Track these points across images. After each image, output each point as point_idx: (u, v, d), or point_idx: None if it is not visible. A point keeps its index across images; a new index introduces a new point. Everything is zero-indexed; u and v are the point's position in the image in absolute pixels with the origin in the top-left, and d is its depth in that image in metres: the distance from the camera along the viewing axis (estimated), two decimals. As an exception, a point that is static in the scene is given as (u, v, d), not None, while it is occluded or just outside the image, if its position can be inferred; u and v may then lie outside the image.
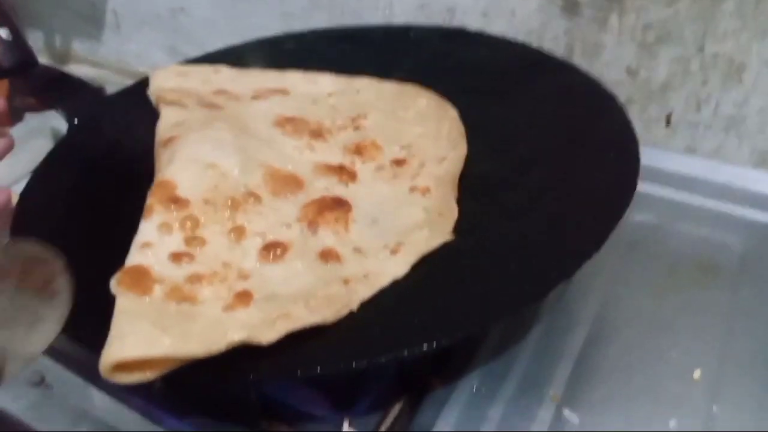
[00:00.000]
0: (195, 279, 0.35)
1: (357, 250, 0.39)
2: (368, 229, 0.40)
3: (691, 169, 0.56)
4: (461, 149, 0.47)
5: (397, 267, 0.38)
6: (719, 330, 0.44)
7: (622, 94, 0.72)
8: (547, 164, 0.45)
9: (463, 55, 0.58)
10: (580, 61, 0.71)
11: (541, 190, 0.42)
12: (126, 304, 0.33)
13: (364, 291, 0.36)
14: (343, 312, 0.35)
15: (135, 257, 0.36)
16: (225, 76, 0.58)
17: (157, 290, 0.34)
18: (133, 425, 0.40)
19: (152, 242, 0.37)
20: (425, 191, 0.43)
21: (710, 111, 0.69)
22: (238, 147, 0.44)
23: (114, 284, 0.35)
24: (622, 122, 0.46)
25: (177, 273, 0.35)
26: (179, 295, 0.34)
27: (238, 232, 0.39)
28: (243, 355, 0.35)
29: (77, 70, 1.02)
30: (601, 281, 0.48)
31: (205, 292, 0.35)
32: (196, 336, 0.32)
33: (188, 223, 0.38)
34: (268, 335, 0.32)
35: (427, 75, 0.57)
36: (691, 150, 0.71)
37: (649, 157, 0.58)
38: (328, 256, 0.38)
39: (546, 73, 0.53)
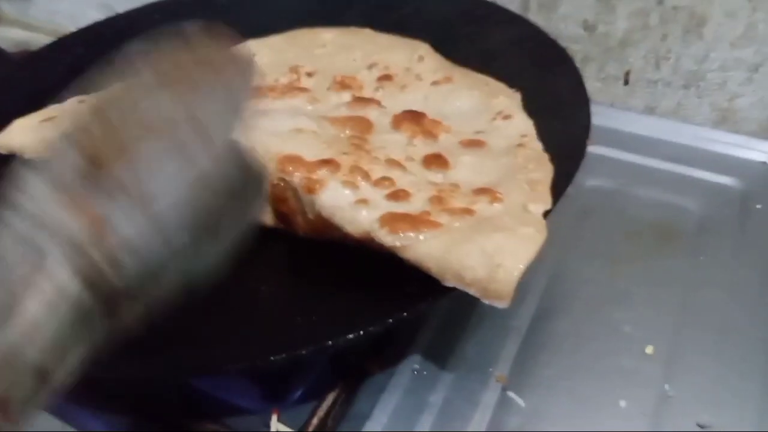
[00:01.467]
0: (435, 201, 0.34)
1: None
2: None
3: (648, 130, 0.54)
4: None
5: None
6: (675, 301, 0.41)
7: (579, 51, 0.69)
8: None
9: (413, 6, 0.54)
10: (536, 16, 0.67)
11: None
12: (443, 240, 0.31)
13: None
14: None
15: (371, 214, 0.33)
16: None
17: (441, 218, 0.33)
18: (42, 425, 0.36)
19: (364, 198, 0.34)
20: None
21: (670, 68, 0.66)
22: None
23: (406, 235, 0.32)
24: (572, 79, 0.42)
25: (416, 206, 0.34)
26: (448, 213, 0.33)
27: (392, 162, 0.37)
28: (163, 348, 0.32)
29: (8, 33, 0.95)
30: (552, 251, 0.45)
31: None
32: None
33: (357, 172, 0.36)
34: None
35: (377, 27, 0.53)
36: (650, 109, 0.68)
37: (603, 117, 0.55)
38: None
39: (496, 26, 0.50)
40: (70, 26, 0.93)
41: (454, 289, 0.31)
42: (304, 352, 0.29)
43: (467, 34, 0.50)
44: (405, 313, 0.30)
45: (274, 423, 0.35)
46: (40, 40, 0.91)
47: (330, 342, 0.29)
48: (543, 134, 0.40)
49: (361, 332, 0.29)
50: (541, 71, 0.45)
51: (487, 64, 0.46)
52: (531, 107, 0.42)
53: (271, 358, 0.29)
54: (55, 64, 0.54)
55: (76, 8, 0.93)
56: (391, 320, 0.30)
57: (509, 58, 0.46)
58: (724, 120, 0.68)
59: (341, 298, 0.33)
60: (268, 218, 0.37)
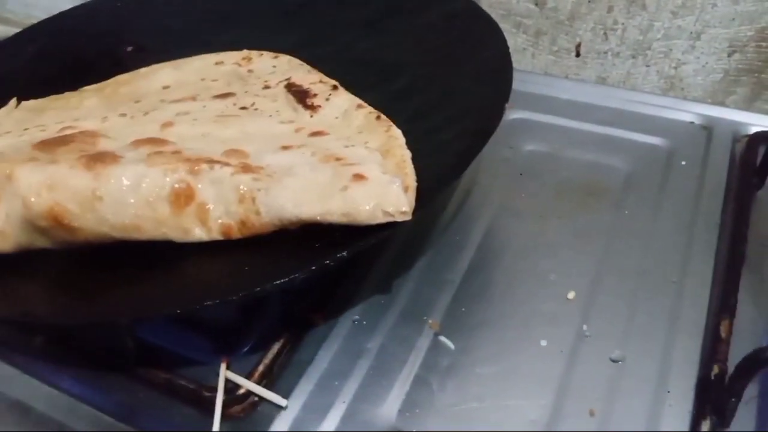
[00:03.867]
0: None
1: None
2: None
3: (582, 96, 0.56)
4: None
5: None
6: (598, 251, 0.44)
7: (531, 26, 0.71)
8: (423, 94, 0.44)
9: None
10: (486, -9, 0.70)
11: (414, 119, 0.42)
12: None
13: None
14: None
15: None
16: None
17: None
18: (15, 382, 0.40)
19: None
20: None
21: (617, 39, 0.68)
22: None
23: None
24: (500, 49, 0.45)
25: None
26: None
27: None
28: (110, 297, 0.35)
29: (-16, 27, 0.97)
30: (488, 210, 0.48)
31: None
32: None
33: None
34: None
35: (315, 7, 0.56)
36: (602, 79, 0.71)
37: (546, 87, 0.58)
38: None
39: (433, 2, 0.52)
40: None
41: (371, 234, 0.34)
42: (234, 297, 0.32)
43: (408, 9, 0.53)
44: (327, 261, 0.33)
45: (223, 371, 0.38)
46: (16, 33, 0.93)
47: (258, 288, 0.32)
48: (468, 99, 0.43)
49: (286, 279, 0.32)
50: (470, 41, 0.48)
51: (421, 40, 0.49)
52: (460, 76, 0.45)
53: (205, 303, 0.32)
54: (17, 54, 0.56)
55: (52, 2, 0.95)
56: (314, 267, 0.33)
57: (443, 33, 0.49)
58: (672, 87, 0.70)
59: (274, 253, 0.36)
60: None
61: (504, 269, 0.44)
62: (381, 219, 0.33)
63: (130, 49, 0.56)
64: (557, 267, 0.43)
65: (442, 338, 0.40)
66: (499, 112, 0.40)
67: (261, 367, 0.38)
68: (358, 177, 0.35)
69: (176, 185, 0.36)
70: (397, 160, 0.37)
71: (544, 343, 0.39)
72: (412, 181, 0.36)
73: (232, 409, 0.37)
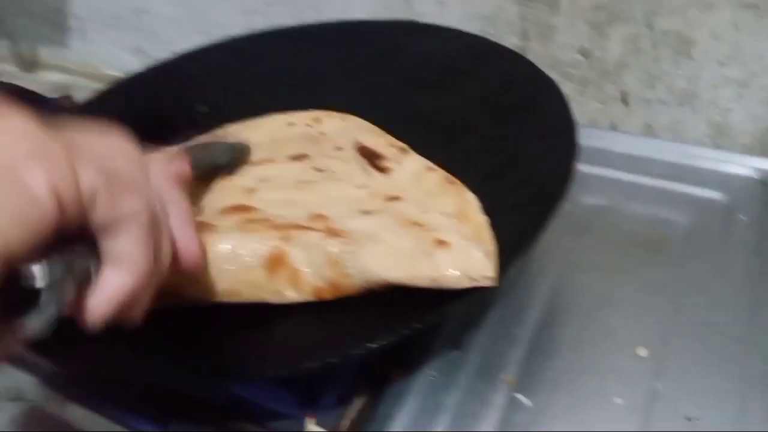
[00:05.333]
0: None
1: None
2: None
3: (640, 150, 0.58)
4: None
5: None
6: (665, 307, 0.46)
7: (578, 75, 0.73)
8: (489, 155, 0.46)
9: (414, 48, 0.59)
10: (535, 44, 0.72)
11: (483, 182, 0.44)
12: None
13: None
14: None
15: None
16: None
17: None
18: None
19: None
20: None
21: (664, 87, 0.70)
22: None
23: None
24: (562, 108, 0.47)
25: None
26: None
27: None
28: (208, 358, 0.37)
29: (45, 76, 1.02)
30: (553, 265, 0.49)
31: None
32: None
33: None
34: None
35: (380, 68, 0.59)
36: (649, 127, 0.73)
37: (600, 140, 0.60)
38: None
39: (492, 63, 0.55)
40: (105, 69, 1.01)
41: (458, 298, 0.36)
42: (334, 360, 0.34)
43: (466, 70, 0.56)
44: (419, 324, 0.35)
45: (309, 424, 0.40)
46: (77, 82, 0.98)
47: (355, 351, 0.34)
48: (533, 158, 0.45)
49: (384, 342, 0.34)
50: (531, 102, 0.50)
51: (482, 101, 0.52)
52: (523, 136, 0.47)
53: (305, 365, 0.34)
54: (97, 114, 0.60)
55: (111, 52, 1.00)
56: (407, 331, 0.35)
57: (503, 94, 0.51)
58: (720, 134, 0.72)
59: (362, 315, 0.38)
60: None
61: (573, 325, 0.45)
62: (467, 284, 0.35)
63: (204, 109, 0.59)
64: (625, 323, 0.45)
65: (519, 395, 0.42)
66: (569, 174, 0.41)
67: (346, 421, 0.40)
68: (441, 243, 0.37)
69: (270, 251, 0.38)
70: (474, 225, 0.39)
71: (619, 400, 0.41)
72: (491, 246, 0.37)
73: (320, 463, 0.39)
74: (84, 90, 0.93)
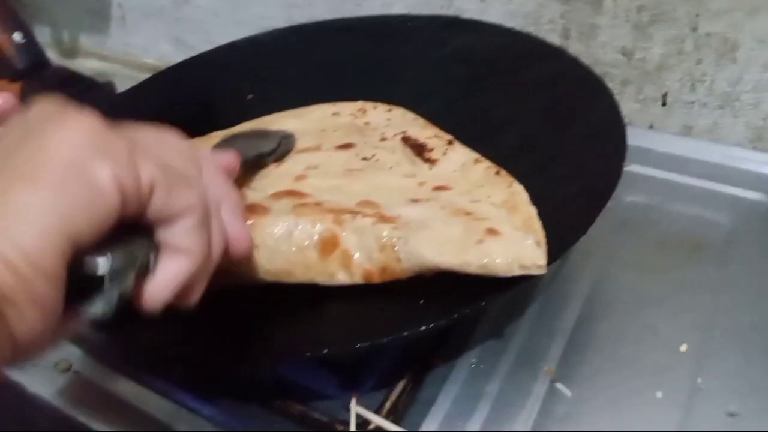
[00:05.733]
0: None
1: None
2: None
3: (681, 149, 0.58)
4: None
5: None
6: (706, 305, 0.46)
7: (618, 75, 0.73)
8: (536, 150, 0.47)
9: (457, 43, 0.60)
10: (576, 43, 0.72)
11: (530, 176, 0.44)
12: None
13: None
14: None
15: None
16: None
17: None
18: (156, 406, 0.43)
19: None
20: None
21: (705, 90, 0.70)
22: None
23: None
24: (610, 107, 0.47)
25: None
26: None
27: None
28: (257, 338, 0.38)
29: (85, 63, 1.04)
30: (593, 260, 0.50)
31: None
32: None
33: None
34: None
35: (423, 64, 0.60)
36: (687, 128, 0.73)
37: (640, 138, 0.60)
38: None
39: (537, 60, 0.55)
40: (143, 57, 1.03)
41: (506, 286, 0.36)
42: (384, 340, 0.35)
43: (511, 67, 0.56)
44: (469, 309, 0.35)
45: (354, 406, 0.41)
46: (116, 71, 1.00)
47: (406, 333, 0.35)
48: (582, 158, 0.45)
49: (432, 325, 0.35)
50: (578, 100, 0.50)
51: (528, 97, 0.52)
52: (570, 134, 0.47)
53: (357, 345, 0.35)
54: (143, 103, 0.61)
55: (149, 41, 1.02)
56: (456, 315, 0.35)
57: (549, 90, 0.52)
58: (760, 138, 0.71)
59: (410, 299, 0.39)
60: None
61: (614, 320, 0.46)
62: (517, 272, 0.36)
63: (250, 97, 0.60)
64: (667, 319, 0.45)
65: (559, 385, 0.42)
66: (618, 169, 0.42)
67: (388, 404, 0.41)
68: (492, 231, 0.38)
69: (323, 234, 0.39)
70: (524, 216, 0.40)
71: (659, 394, 0.41)
72: (542, 236, 0.38)
73: (363, 443, 0.40)
74: (122, 78, 0.95)
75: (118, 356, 0.46)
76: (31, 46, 0.60)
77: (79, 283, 0.26)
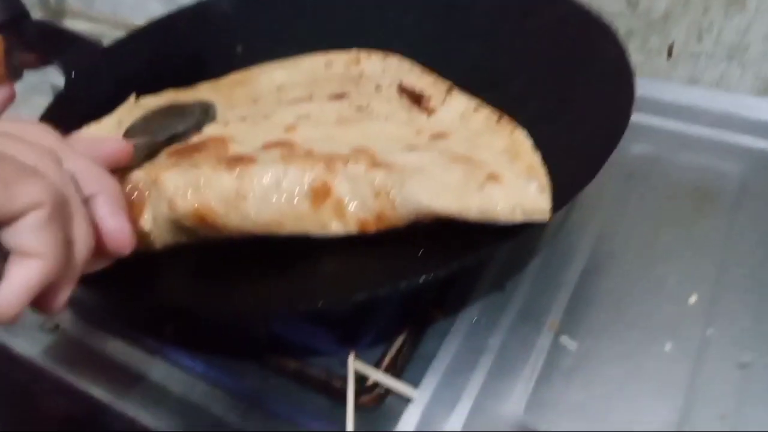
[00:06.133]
0: None
1: None
2: None
3: (689, 99, 0.56)
4: None
5: None
6: (715, 256, 0.44)
7: (622, 25, 0.71)
8: (541, 98, 0.44)
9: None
10: (579, -8, 0.69)
11: (534, 124, 0.42)
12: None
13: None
14: None
15: None
16: None
17: None
18: (147, 365, 0.42)
19: None
20: None
21: (712, 40, 0.67)
22: None
23: None
24: (617, 53, 0.45)
25: None
26: None
27: None
28: (250, 291, 0.37)
29: (73, 25, 1.01)
30: (599, 213, 0.48)
31: None
32: None
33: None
34: None
35: (421, 11, 0.57)
36: (693, 80, 0.70)
37: (647, 88, 0.58)
38: None
39: (542, 5, 0.52)
40: (132, 18, 0.99)
41: (508, 234, 0.35)
42: (382, 292, 0.33)
43: (515, 14, 0.53)
44: (469, 258, 0.34)
45: (352, 362, 0.39)
46: (104, 31, 0.97)
47: (404, 283, 0.33)
48: (589, 105, 0.43)
49: (431, 276, 0.33)
50: (584, 46, 0.48)
51: (532, 44, 0.50)
52: (577, 81, 0.45)
53: (353, 297, 0.33)
54: (131, 56, 0.59)
55: (138, 1, 0.98)
56: (456, 264, 0.33)
57: (554, 37, 0.49)
58: (767, 89, 0.69)
59: (405, 251, 0.37)
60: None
61: (620, 272, 0.44)
62: (519, 218, 0.34)
63: (239, 48, 0.57)
64: (675, 271, 0.43)
65: (564, 338, 0.41)
66: (625, 116, 0.40)
67: (387, 359, 0.40)
68: (493, 177, 0.36)
69: (314, 182, 0.37)
70: (527, 163, 0.38)
71: (668, 346, 0.39)
72: (546, 182, 0.36)
73: (362, 399, 0.38)
74: (110, 39, 0.91)
75: (107, 315, 0.44)
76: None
77: None
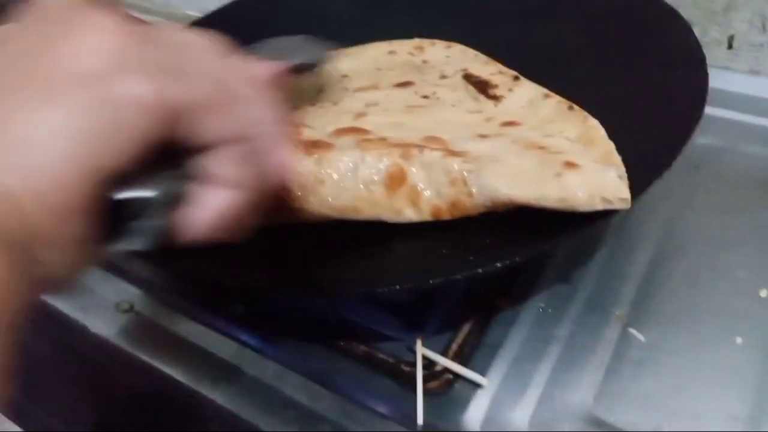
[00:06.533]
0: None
1: None
2: None
3: (754, 90, 0.55)
4: None
5: None
6: (786, 249, 0.43)
7: (682, 15, 0.69)
8: (610, 83, 0.44)
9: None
10: (638, -18, 0.68)
11: (604, 109, 0.42)
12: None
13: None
14: None
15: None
16: None
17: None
18: (219, 346, 0.43)
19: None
20: None
21: (775, 30, 0.66)
22: None
23: None
24: (687, 38, 0.45)
25: None
26: None
27: None
28: (319, 275, 0.37)
29: (127, 16, 1.03)
30: (665, 203, 0.48)
31: None
32: None
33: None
34: None
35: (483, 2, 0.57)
36: (754, 72, 0.69)
37: (711, 79, 0.57)
38: None
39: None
40: (185, 9, 1.01)
41: (585, 222, 0.35)
42: (459, 276, 0.33)
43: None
44: (546, 246, 0.34)
45: (420, 347, 0.40)
46: (157, 22, 0.99)
47: (480, 270, 0.33)
48: (660, 91, 0.42)
49: (507, 262, 0.33)
50: (651, 30, 0.47)
51: (598, 28, 0.49)
52: (645, 67, 0.45)
53: (430, 281, 0.33)
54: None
55: (191, -8, 1.00)
56: (535, 251, 0.34)
57: (621, 21, 0.49)
58: (831, 82, 0.67)
59: (478, 237, 0.37)
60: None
61: (688, 264, 0.44)
62: (599, 206, 0.34)
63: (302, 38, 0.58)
64: (745, 263, 0.43)
65: (632, 330, 0.40)
66: (700, 104, 0.39)
67: (454, 346, 0.40)
68: (570, 165, 0.36)
69: (390, 168, 0.37)
70: (602, 150, 0.38)
71: (739, 340, 0.39)
72: (623, 170, 0.36)
73: (430, 384, 0.39)
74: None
75: (180, 296, 0.45)
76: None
77: (112, 215, 0.23)
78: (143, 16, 1.03)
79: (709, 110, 0.53)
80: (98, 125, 0.22)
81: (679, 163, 0.50)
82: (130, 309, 0.46)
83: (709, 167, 0.50)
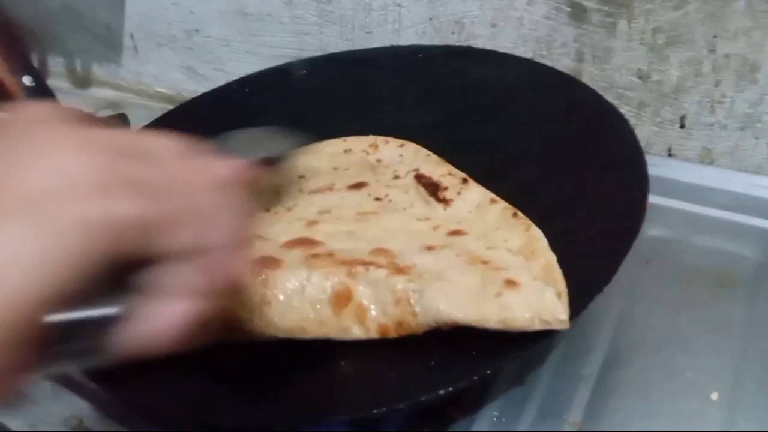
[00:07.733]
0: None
1: None
2: None
3: (703, 179, 0.56)
4: None
5: None
6: (736, 346, 0.44)
7: (634, 98, 0.72)
8: (554, 187, 0.45)
9: (470, 73, 0.59)
10: (590, 67, 0.71)
11: (547, 215, 0.43)
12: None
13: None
14: None
15: None
16: None
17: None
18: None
19: None
20: None
21: (725, 111, 0.68)
22: None
23: None
24: (628, 139, 0.46)
25: None
26: None
27: None
28: (268, 397, 0.37)
29: (99, 93, 1.05)
30: (616, 300, 0.48)
31: None
32: None
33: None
34: None
35: (436, 95, 0.59)
36: (707, 150, 0.71)
37: (659, 168, 0.58)
38: None
39: (551, 90, 0.54)
40: (157, 87, 1.03)
41: (527, 342, 0.35)
42: (401, 406, 0.33)
43: (529, 98, 0.55)
44: (488, 371, 0.34)
45: (371, 464, 0.39)
46: (129, 99, 1.01)
47: (424, 397, 0.33)
48: (603, 193, 0.43)
49: (450, 388, 0.33)
50: (595, 131, 0.49)
51: (543, 129, 0.51)
52: (589, 167, 0.46)
53: (374, 411, 0.33)
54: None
55: (161, 70, 1.02)
56: (476, 377, 0.34)
57: (564, 122, 0.50)
58: (783, 159, 0.69)
59: (425, 359, 0.37)
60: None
61: (640, 365, 0.44)
62: (538, 326, 0.35)
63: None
64: (694, 364, 0.43)
65: (585, 437, 0.40)
66: (641, 209, 0.40)
67: (407, 461, 0.40)
68: (510, 283, 0.36)
69: (337, 287, 0.38)
70: (543, 263, 0.38)
71: (692, 445, 0.39)
72: (562, 286, 0.37)
73: (383, 503, 0.38)
74: (136, 107, 0.95)
75: (126, 412, 0.45)
76: (40, 89, 0.59)
77: (58, 333, 0.23)
78: (115, 93, 1.05)
79: (660, 200, 0.56)
80: (40, 250, 0.21)
81: (629, 257, 0.51)
82: (80, 424, 0.45)
83: (659, 260, 0.51)
